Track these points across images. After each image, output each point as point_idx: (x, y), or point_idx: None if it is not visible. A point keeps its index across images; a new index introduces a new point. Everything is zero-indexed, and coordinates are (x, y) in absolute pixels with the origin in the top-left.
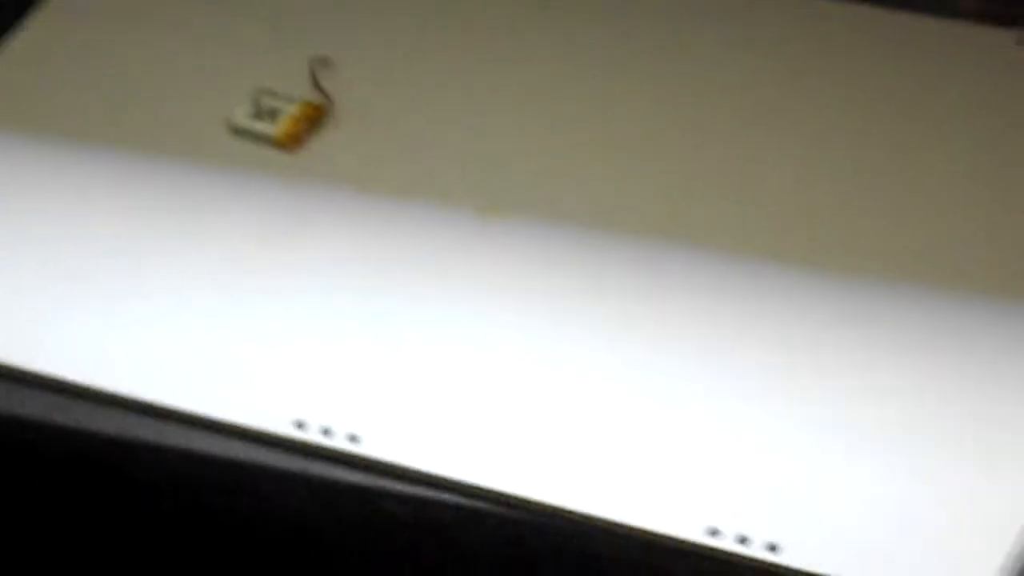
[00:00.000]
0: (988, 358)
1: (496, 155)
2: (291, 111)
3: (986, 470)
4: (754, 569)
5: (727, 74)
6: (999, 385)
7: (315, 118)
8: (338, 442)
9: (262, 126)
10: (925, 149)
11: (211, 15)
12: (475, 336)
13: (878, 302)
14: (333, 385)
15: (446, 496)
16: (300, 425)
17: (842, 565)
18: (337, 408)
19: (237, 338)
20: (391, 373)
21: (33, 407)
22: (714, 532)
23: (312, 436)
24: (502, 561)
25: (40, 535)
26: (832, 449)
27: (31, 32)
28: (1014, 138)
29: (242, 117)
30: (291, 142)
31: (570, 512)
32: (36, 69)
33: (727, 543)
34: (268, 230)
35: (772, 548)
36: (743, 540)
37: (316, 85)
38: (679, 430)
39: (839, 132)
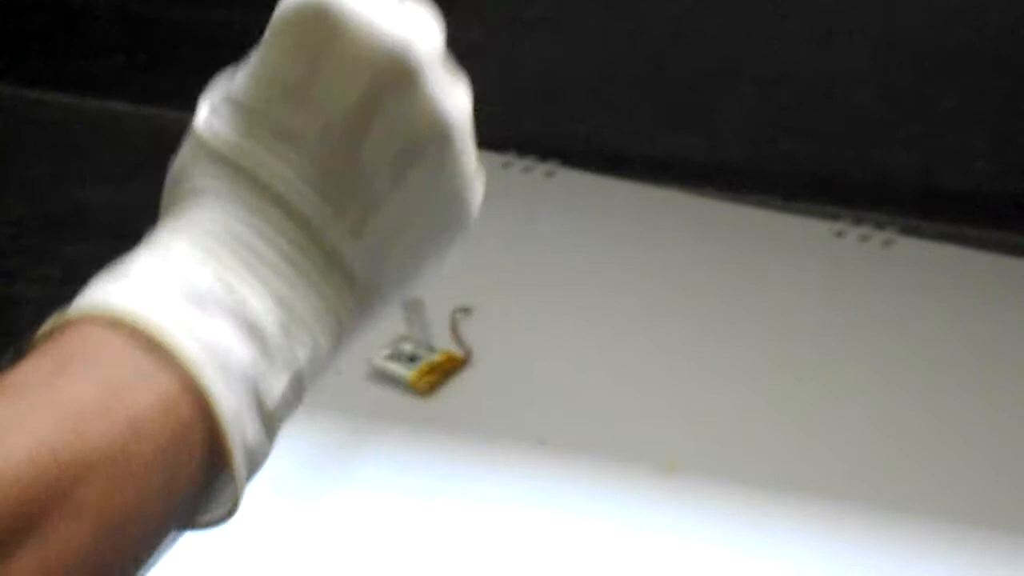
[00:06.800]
0: None
1: (629, 406)
2: (430, 358)
3: None
4: None
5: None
6: None
7: (452, 367)
8: None
9: (400, 369)
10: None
11: None
12: None
13: None
14: None
15: None
16: None
17: None
18: None
19: None
20: None
21: None
22: None
23: None
24: None
25: None
26: None
27: None
28: None
29: (381, 360)
30: (426, 388)
31: None
32: None
33: None
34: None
35: None
36: None
37: (455, 335)
38: None
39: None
